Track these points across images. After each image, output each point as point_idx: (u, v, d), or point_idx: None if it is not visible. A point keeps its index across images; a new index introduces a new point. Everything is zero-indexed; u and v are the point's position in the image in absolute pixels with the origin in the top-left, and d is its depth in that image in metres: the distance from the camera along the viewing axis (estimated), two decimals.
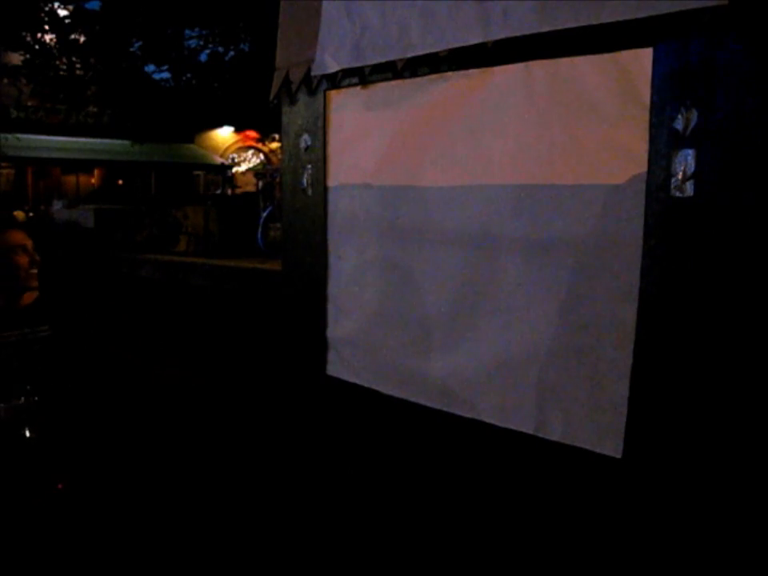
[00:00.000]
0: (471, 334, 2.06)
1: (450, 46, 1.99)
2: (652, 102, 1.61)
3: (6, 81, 17.32)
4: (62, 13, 15.62)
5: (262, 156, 23.39)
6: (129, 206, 14.94)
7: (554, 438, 1.88)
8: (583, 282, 1.78)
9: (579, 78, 1.76)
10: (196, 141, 22.57)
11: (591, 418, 1.80)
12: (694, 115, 1.53)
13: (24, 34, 15.43)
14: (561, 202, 1.81)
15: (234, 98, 15.07)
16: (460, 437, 2.11)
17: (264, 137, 20.18)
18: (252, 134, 21.20)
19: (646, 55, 1.61)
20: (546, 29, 1.75)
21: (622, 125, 1.69)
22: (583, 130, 1.76)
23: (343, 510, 2.46)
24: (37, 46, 15.76)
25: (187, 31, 16.09)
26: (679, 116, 1.55)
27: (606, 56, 1.70)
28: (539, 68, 1.84)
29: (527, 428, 1.93)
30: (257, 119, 16.21)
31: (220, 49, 15.95)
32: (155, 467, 3.17)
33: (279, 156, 2.86)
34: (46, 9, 15.43)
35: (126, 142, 18.88)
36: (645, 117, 1.63)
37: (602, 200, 1.73)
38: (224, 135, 23.09)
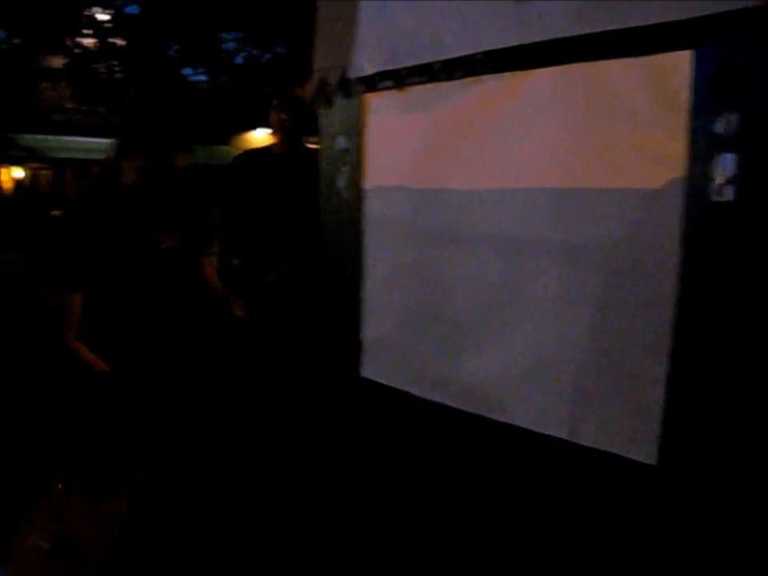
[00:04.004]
0: (504, 337, 2.06)
1: (485, 49, 1.99)
2: (691, 105, 1.59)
3: (47, 84, 17.63)
4: (102, 17, 15.86)
5: None
6: None
7: (587, 443, 1.86)
8: (618, 286, 1.77)
9: (616, 81, 1.75)
10: (232, 143, 22.72)
11: (625, 423, 1.78)
12: (734, 119, 1.51)
13: (65, 38, 15.69)
14: (596, 207, 1.80)
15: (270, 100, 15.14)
16: (493, 440, 2.11)
17: None
18: None
19: (685, 58, 1.59)
20: (583, 31, 1.74)
21: (660, 129, 1.67)
22: (620, 134, 1.75)
23: (379, 511, 2.46)
24: (77, 50, 16.01)
25: (223, 34, 16.24)
26: (719, 119, 1.54)
27: (644, 59, 1.68)
28: (575, 71, 1.83)
29: (560, 432, 1.92)
30: None
31: (256, 52, 16.08)
32: (186, 462, 3.22)
33: None
34: (87, 14, 15.67)
35: None
36: (683, 120, 1.61)
37: (639, 204, 1.71)
38: (260, 137, 23.22)
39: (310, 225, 2.78)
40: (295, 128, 3.59)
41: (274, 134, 3.69)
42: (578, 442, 1.88)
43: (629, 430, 1.77)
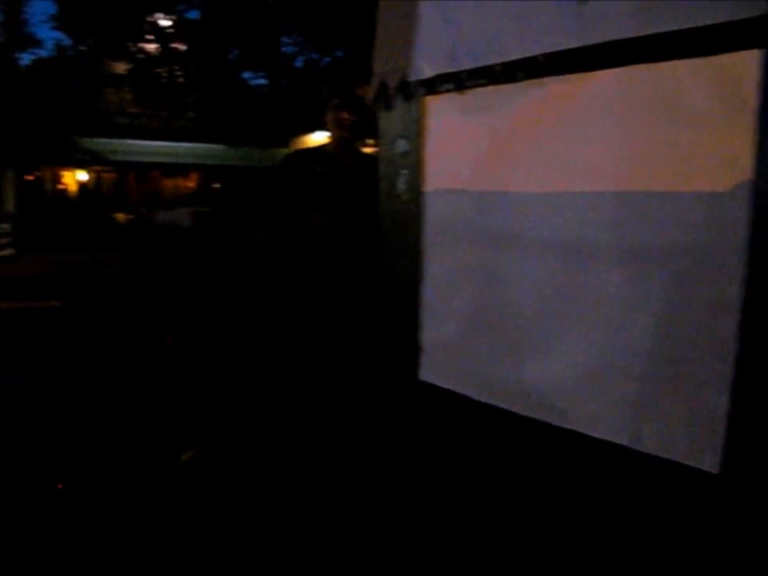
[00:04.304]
0: (564, 342, 2.04)
1: (546, 50, 1.97)
2: (759, 105, 1.56)
3: (111, 89, 18.11)
4: (164, 23, 16.21)
5: None
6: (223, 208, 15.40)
7: (649, 450, 1.84)
8: (682, 291, 1.74)
9: (681, 82, 1.72)
10: (291, 145, 22.95)
11: (687, 431, 1.75)
12: None
13: (128, 44, 16.09)
14: (659, 210, 1.77)
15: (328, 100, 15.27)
16: (552, 446, 2.09)
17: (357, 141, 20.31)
18: None
19: (753, 57, 1.56)
20: (646, 31, 1.72)
21: (727, 130, 1.64)
22: (684, 136, 1.72)
23: (438, 513, 2.46)
24: (140, 56, 16.40)
25: (283, 38, 16.42)
26: None
27: (710, 59, 1.65)
28: (639, 72, 1.80)
29: (621, 439, 1.89)
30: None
31: (315, 55, 16.22)
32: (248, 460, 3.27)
33: None
34: (149, 20, 16.04)
35: (223, 147, 19.38)
36: (751, 122, 1.57)
37: (703, 208, 1.68)
38: (318, 140, 23.37)
39: (365, 226, 2.78)
40: (353, 128, 3.60)
41: (331, 133, 3.70)
42: (639, 449, 1.85)
43: (691, 437, 1.74)
